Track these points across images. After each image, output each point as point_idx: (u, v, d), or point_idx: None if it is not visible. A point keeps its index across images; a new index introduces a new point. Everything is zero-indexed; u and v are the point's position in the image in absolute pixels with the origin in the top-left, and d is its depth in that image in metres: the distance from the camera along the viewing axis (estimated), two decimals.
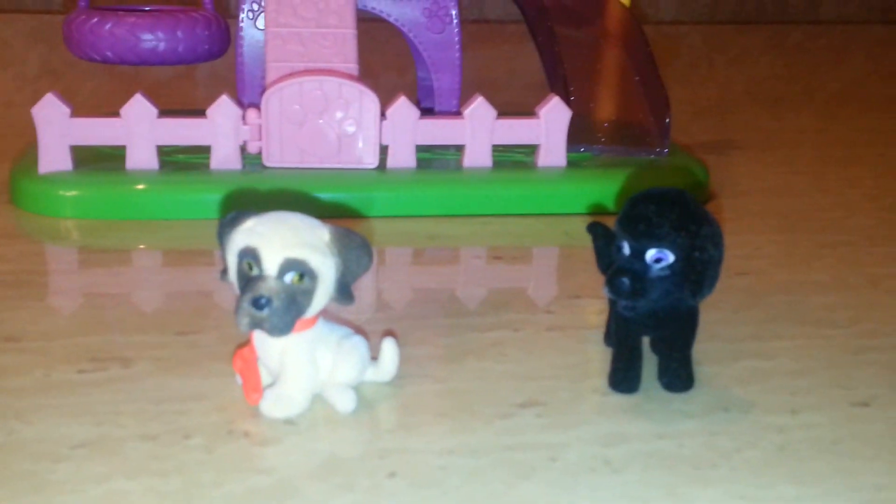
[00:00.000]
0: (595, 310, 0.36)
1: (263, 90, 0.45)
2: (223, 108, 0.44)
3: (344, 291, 0.28)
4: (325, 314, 0.29)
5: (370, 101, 0.44)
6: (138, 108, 0.44)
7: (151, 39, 0.47)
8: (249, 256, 0.27)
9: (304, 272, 0.27)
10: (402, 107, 0.45)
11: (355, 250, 0.28)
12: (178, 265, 0.39)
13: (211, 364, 0.30)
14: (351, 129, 0.44)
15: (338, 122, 0.44)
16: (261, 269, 0.27)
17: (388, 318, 0.35)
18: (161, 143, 0.45)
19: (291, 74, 0.45)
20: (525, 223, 0.45)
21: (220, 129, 0.45)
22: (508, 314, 0.35)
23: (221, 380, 0.29)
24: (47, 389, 0.28)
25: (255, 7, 0.50)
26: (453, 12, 0.51)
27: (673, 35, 1.17)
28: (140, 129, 0.44)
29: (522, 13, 0.57)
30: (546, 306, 0.36)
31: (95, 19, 0.46)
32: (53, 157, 0.44)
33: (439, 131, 0.46)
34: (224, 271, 0.28)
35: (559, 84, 0.52)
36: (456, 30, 0.52)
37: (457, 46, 0.52)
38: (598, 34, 0.55)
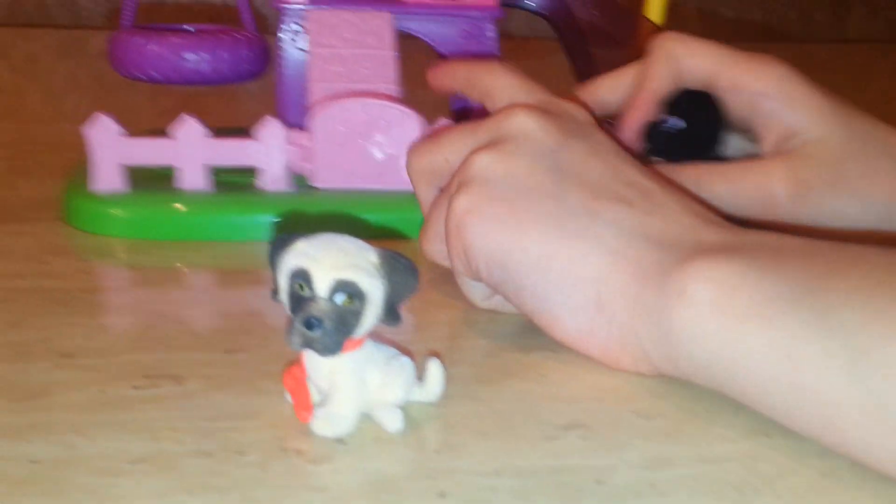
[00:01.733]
0: None
1: (306, 110, 0.46)
2: (271, 130, 0.45)
3: (391, 312, 0.29)
4: (371, 334, 0.29)
5: (412, 123, 0.45)
6: (188, 129, 0.44)
7: (195, 59, 0.48)
8: (301, 278, 0.28)
9: (354, 293, 0.28)
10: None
11: (402, 273, 0.29)
12: (226, 285, 0.40)
13: (261, 382, 0.31)
14: (393, 151, 0.45)
15: (381, 144, 0.45)
16: (312, 291, 0.28)
17: (430, 338, 0.35)
18: (210, 164, 0.45)
19: (335, 96, 0.45)
20: None
21: (269, 150, 0.45)
22: (548, 336, 0.35)
23: (272, 398, 0.30)
24: (103, 405, 0.29)
25: (296, 28, 0.51)
26: (491, 34, 0.52)
27: None
28: (190, 149, 0.45)
29: (559, 37, 0.58)
30: None
31: (140, 39, 0.48)
32: (106, 176, 0.44)
33: None
34: (275, 291, 0.29)
35: None
36: (494, 50, 0.53)
37: None
38: (634, 55, 0.56)
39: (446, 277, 0.42)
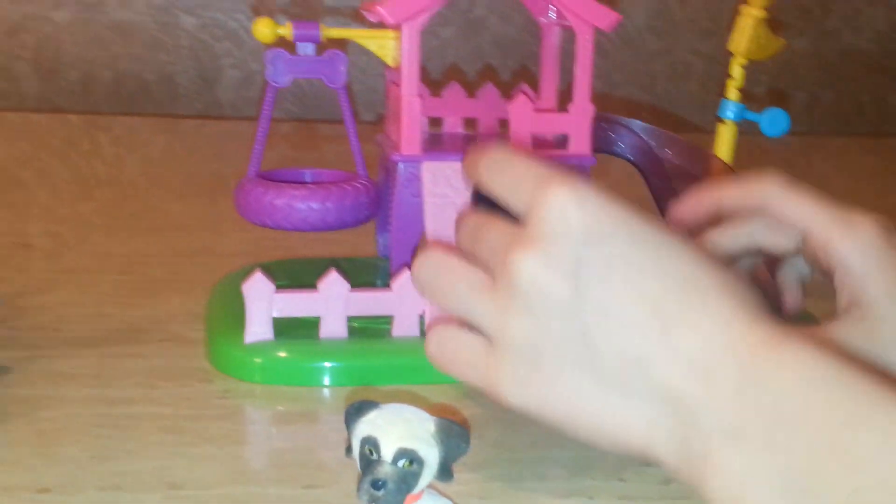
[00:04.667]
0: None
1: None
2: (408, 283, 0.50)
3: (445, 472, 0.35)
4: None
5: None
6: (334, 283, 0.50)
7: (320, 209, 0.53)
8: (370, 444, 0.34)
9: (413, 459, 0.34)
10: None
11: (455, 439, 0.35)
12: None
13: None
14: None
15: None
16: (379, 455, 0.34)
17: (480, 478, 0.40)
18: (351, 315, 0.51)
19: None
20: None
21: (404, 301, 0.51)
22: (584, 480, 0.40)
23: None
24: None
25: (411, 177, 0.54)
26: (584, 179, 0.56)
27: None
28: (335, 302, 0.50)
29: (645, 178, 0.64)
30: (617, 473, 0.41)
31: (269, 192, 0.53)
32: (257, 328, 0.50)
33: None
34: (349, 449, 0.35)
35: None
36: None
37: None
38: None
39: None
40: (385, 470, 0.34)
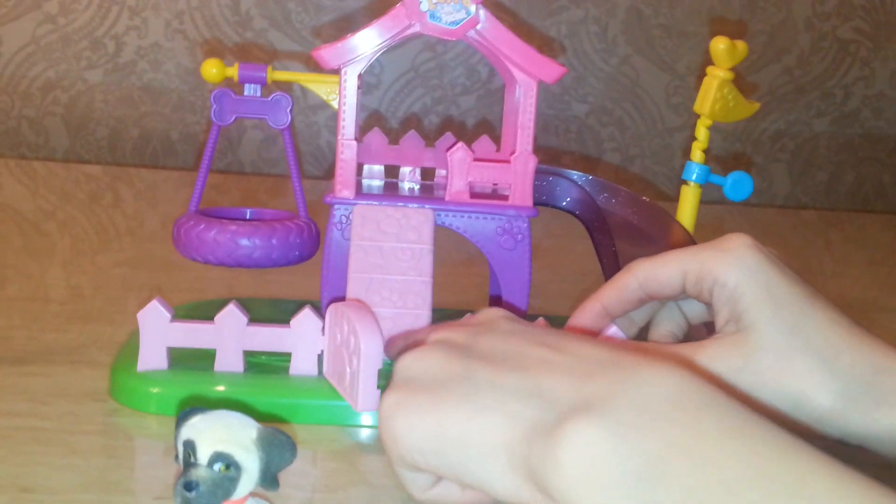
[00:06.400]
0: None
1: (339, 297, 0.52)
2: (306, 320, 0.50)
3: (267, 479, 0.35)
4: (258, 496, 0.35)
5: (370, 354, 0.45)
6: (230, 316, 0.50)
7: (249, 246, 0.54)
8: (189, 447, 0.35)
9: (230, 463, 0.34)
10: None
11: (278, 447, 0.35)
12: None
13: None
14: (351, 369, 0.47)
15: (351, 363, 0.47)
16: (196, 458, 0.34)
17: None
18: (247, 349, 0.50)
19: (370, 290, 0.51)
20: None
21: (302, 339, 0.50)
22: None
23: None
24: None
25: (344, 220, 0.55)
26: (525, 230, 0.56)
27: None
28: (230, 335, 0.50)
29: (590, 234, 0.63)
30: None
31: (199, 225, 0.55)
32: (151, 358, 0.50)
33: None
34: (177, 456, 0.36)
35: None
36: (526, 245, 0.57)
37: (527, 262, 0.57)
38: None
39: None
40: (199, 473, 0.34)
